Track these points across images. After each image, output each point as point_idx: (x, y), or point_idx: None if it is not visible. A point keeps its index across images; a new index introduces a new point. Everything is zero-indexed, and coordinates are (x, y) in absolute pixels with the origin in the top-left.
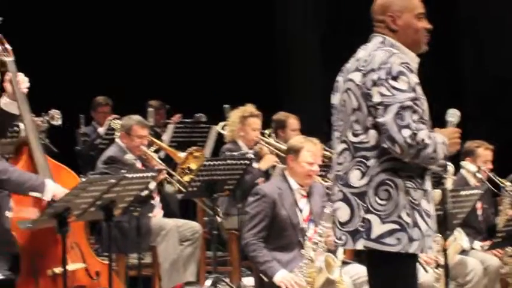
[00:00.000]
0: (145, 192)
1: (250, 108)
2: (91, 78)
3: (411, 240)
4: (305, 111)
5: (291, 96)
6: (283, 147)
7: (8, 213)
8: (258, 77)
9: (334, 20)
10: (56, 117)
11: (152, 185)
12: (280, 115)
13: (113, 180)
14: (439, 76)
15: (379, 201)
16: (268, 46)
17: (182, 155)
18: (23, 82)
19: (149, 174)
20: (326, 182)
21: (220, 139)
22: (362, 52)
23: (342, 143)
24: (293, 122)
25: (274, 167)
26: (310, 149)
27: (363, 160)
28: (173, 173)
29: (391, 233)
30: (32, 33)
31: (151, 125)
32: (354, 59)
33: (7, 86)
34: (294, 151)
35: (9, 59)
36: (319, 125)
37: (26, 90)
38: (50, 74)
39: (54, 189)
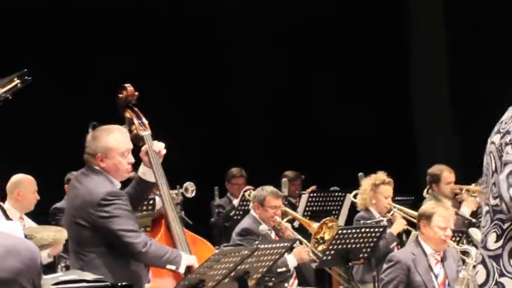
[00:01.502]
0: (282, 269)
1: (381, 175)
2: (225, 150)
3: None
4: None
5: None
6: (415, 213)
7: (147, 286)
8: (393, 144)
9: None
10: (190, 189)
11: (292, 265)
12: (434, 169)
13: (246, 252)
14: None
15: None
16: (404, 114)
17: (316, 225)
18: (160, 147)
19: (283, 244)
20: (460, 246)
21: (353, 207)
22: (506, 114)
23: (485, 205)
24: (448, 175)
25: (408, 232)
26: (442, 214)
27: (499, 223)
28: (307, 243)
29: None
30: (164, 110)
31: (285, 196)
32: (499, 121)
33: (144, 157)
34: (426, 217)
35: (146, 132)
36: None
37: (163, 153)
38: (184, 148)
39: (188, 261)
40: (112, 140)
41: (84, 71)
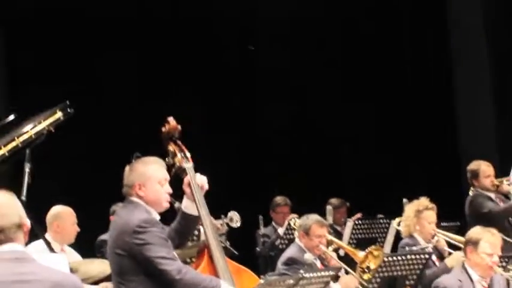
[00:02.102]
0: None
1: (424, 201)
2: (268, 179)
3: None
4: None
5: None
6: (461, 238)
7: None
8: (439, 169)
9: None
10: (234, 219)
11: None
12: (472, 165)
13: (291, 281)
14: None
15: None
16: (449, 139)
17: (361, 254)
18: (202, 181)
19: (328, 273)
20: (507, 272)
21: (399, 234)
22: None
23: None
24: (486, 169)
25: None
26: (489, 240)
27: None
28: (352, 272)
29: None
30: (209, 142)
31: (330, 224)
32: None
33: (186, 189)
34: (473, 243)
35: (189, 165)
36: None
37: (206, 187)
38: (228, 178)
39: None
40: (149, 169)
41: (129, 102)
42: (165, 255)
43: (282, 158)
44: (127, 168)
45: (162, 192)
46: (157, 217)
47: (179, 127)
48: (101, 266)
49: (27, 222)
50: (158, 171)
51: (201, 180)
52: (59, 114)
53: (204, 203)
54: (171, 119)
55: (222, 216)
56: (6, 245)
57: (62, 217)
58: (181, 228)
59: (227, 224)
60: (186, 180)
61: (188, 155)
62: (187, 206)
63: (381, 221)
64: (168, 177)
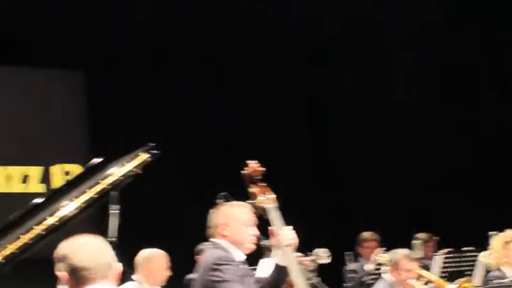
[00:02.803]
0: None
1: (510, 233)
2: (356, 215)
3: None
4: None
5: None
6: None
7: None
8: None
9: None
10: (322, 255)
11: None
12: None
13: None
14: None
15: None
16: None
17: (451, 287)
18: (288, 236)
19: None
20: None
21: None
22: None
23: None
24: None
25: None
26: None
27: None
28: None
29: None
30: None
31: (419, 258)
32: None
33: (272, 237)
34: None
35: (272, 205)
36: None
37: (293, 242)
38: (313, 214)
39: None
40: (234, 210)
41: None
42: None
43: (367, 193)
44: (212, 210)
45: (247, 233)
46: (242, 257)
47: (261, 169)
48: None
49: (118, 266)
50: (244, 213)
51: (286, 236)
52: (145, 156)
53: (289, 250)
54: (252, 162)
55: (308, 253)
56: (96, 285)
57: (154, 260)
58: (273, 280)
59: (315, 261)
60: (271, 229)
61: (271, 196)
62: (277, 256)
63: (469, 254)
64: (254, 220)
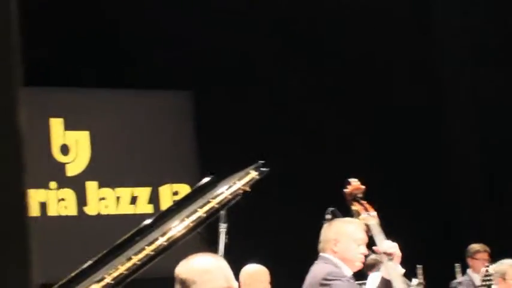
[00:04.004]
0: None
1: None
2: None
3: None
4: None
5: None
6: None
7: None
8: None
9: None
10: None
11: None
12: None
13: None
14: None
15: None
16: None
17: None
18: (387, 247)
19: None
20: None
21: None
22: None
23: None
24: None
25: None
26: None
27: None
28: None
29: None
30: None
31: None
32: None
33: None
34: None
35: (373, 222)
36: None
37: (396, 254)
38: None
39: None
40: (347, 227)
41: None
42: None
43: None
44: (326, 225)
45: (356, 250)
46: (349, 273)
47: (363, 187)
48: None
49: (235, 285)
50: (356, 230)
51: (386, 247)
52: (253, 174)
53: (391, 262)
54: (353, 180)
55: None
56: None
57: (256, 275)
58: None
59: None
60: (376, 248)
61: (373, 213)
62: (382, 270)
63: None
64: (366, 239)
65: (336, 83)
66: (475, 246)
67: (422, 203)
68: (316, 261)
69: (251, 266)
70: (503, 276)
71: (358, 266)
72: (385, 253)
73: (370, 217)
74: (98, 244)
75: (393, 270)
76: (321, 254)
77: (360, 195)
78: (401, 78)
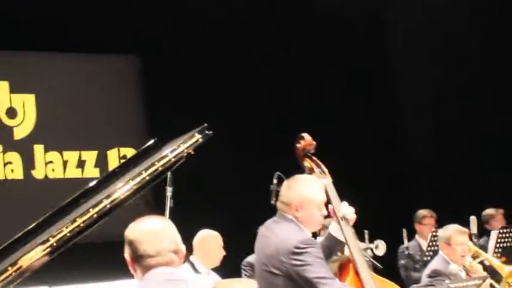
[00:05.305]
0: None
1: None
2: (409, 192)
3: None
4: None
5: None
6: None
7: None
8: None
9: None
10: (380, 247)
11: None
12: None
13: None
14: None
15: None
16: None
17: (508, 269)
18: (345, 211)
19: (475, 282)
20: None
21: None
22: None
23: None
24: None
25: None
26: None
27: None
28: (497, 285)
29: None
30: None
31: (474, 233)
32: None
33: (333, 214)
34: None
35: (327, 180)
36: None
37: (352, 217)
38: (369, 192)
39: None
40: (309, 191)
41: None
42: (324, 275)
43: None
44: (286, 184)
45: (318, 215)
46: (310, 234)
47: (314, 143)
48: (247, 286)
49: (182, 248)
50: (318, 194)
51: (344, 212)
52: (197, 137)
53: (349, 226)
54: (306, 135)
55: (367, 235)
56: (160, 268)
57: (210, 240)
58: (325, 249)
59: (371, 250)
60: (332, 207)
61: (325, 169)
62: (334, 229)
63: None
64: (325, 199)
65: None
66: (421, 212)
67: (371, 169)
68: (275, 219)
69: (204, 232)
70: (447, 241)
71: (318, 228)
72: (343, 217)
73: (324, 174)
74: (45, 208)
75: (349, 232)
76: (282, 213)
77: (312, 151)
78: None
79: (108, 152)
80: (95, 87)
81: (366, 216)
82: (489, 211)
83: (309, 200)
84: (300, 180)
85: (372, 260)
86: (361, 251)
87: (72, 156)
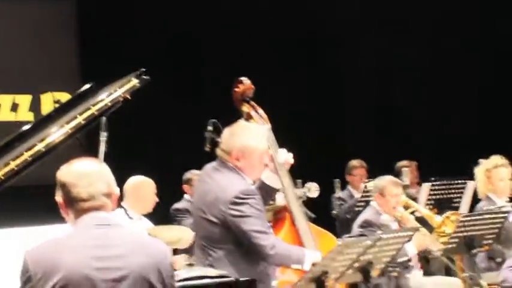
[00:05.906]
0: (403, 259)
1: (494, 159)
2: (341, 142)
3: None
4: None
5: None
6: None
7: (274, 283)
8: None
9: None
10: (313, 189)
11: (411, 253)
12: None
13: (369, 242)
14: None
15: None
16: None
17: (438, 219)
18: (284, 157)
19: (405, 233)
20: None
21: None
22: None
23: None
24: None
25: None
26: None
27: None
28: (429, 234)
29: None
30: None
31: (406, 185)
32: None
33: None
34: None
35: (266, 126)
36: None
37: (289, 162)
38: (303, 142)
39: (313, 258)
40: (251, 141)
41: (198, 68)
42: (260, 229)
43: (356, 121)
44: (227, 131)
45: (260, 165)
46: (251, 183)
47: (253, 87)
48: (180, 233)
49: (116, 191)
50: (260, 144)
51: (285, 158)
52: (134, 82)
53: (287, 172)
54: (244, 79)
55: (298, 181)
56: (93, 213)
57: (143, 187)
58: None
59: (304, 194)
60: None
61: (264, 115)
62: (268, 176)
63: (458, 181)
64: (267, 147)
65: None
66: (352, 162)
67: (287, 116)
68: (215, 166)
69: (137, 178)
70: (381, 192)
71: (259, 177)
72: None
73: (262, 120)
74: None
75: (287, 180)
76: (222, 161)
77: (251, 96)
78: None
79: (42, 96)
80: (30, 31)
81: (300, 166)
82: (402, 163)
83: (251, 150)
84: (242, 128)
85: (306, 210)
86: (297, 200)
87: (5, 99)
